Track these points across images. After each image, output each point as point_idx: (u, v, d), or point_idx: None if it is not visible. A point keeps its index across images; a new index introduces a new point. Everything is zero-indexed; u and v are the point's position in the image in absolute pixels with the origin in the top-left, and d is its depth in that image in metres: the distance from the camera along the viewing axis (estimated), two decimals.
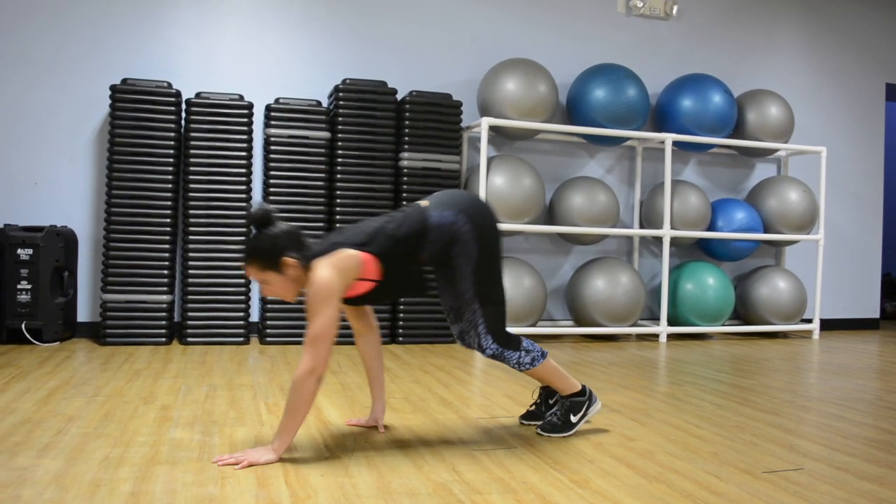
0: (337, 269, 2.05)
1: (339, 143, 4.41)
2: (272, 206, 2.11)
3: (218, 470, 1.94)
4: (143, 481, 1.84)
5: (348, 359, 3.84)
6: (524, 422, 2.52)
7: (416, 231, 2.16)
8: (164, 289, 4.15)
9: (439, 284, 2.33)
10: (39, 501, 1.69)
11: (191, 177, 4.21)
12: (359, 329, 2.41)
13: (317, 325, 2.00)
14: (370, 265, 2.12)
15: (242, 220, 4.26)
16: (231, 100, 4.27)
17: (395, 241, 2.14)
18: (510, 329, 2.31)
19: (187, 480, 1.86)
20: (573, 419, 2.39)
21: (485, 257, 2.21)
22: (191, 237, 4.20)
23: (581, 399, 2.41)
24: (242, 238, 4.26)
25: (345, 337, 4.36)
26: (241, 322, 4.25)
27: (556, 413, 2.42)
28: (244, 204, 4.27)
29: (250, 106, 4.30)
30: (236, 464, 1.98)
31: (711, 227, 5.29)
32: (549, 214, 5.09)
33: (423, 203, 2.23)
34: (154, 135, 4.15)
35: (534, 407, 2.53)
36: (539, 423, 2.46)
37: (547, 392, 2.51)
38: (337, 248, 2.10)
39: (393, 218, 2.19)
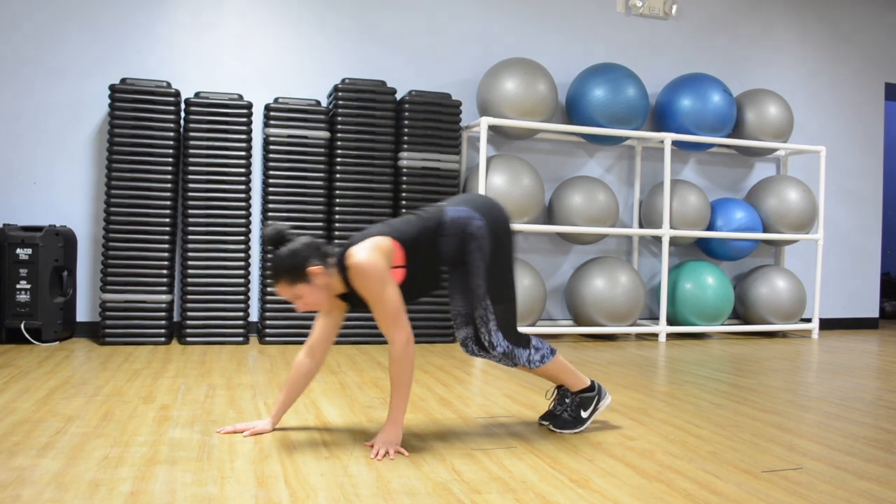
0: (375, 250, 2.12)
1: (339, 143, 4.41)
2: (284, 224, 2.16)
3: (217, 469, 1.94)
4: (143, 481, 1.84)
5: (348, 358, 3.84)
6: (543, 422, 2.52)
7: (433, 224, 2.23)
8: (164, 288, 4.15)
9: (451, 286, 2.37)
10: (39, 501, 1.69)
11: (190, 176, 4.21)
12: (313, 347, 2.31)
13: (389, 305, 2.09)
14: (398, 251, 2.18)
15: (242, 221, 4.26)
16: (230, 99, 4.27)
17: (417, 231, 2.21)
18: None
19: (187, 480, 1.86)
20: (583, 415, 2.43)
21: (497, 255, 2.26)
22: (190, 237, 4.20)
23: (590, 395, 2.45)
24: (242, 237, 4.26)
25: (345, 337, 4.36)
26: (241, 322, 4.25)
27: (566, 410, 2.45)
28: (243, 203, 4.27)
29: (249, 105, 4.30)
30: (382, 455, 2.07)
31: (711, 227, 5.29)
32: (549, 214, 5.09)
33: (442, 203, 2.32)
34: (153, 134, 4.15)
35: (552, 406, 2.53)
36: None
37: (562, 392, 2.51)
38: (366, 238, 2.17)
39: (412, 213, 2.29)
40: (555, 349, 2.39)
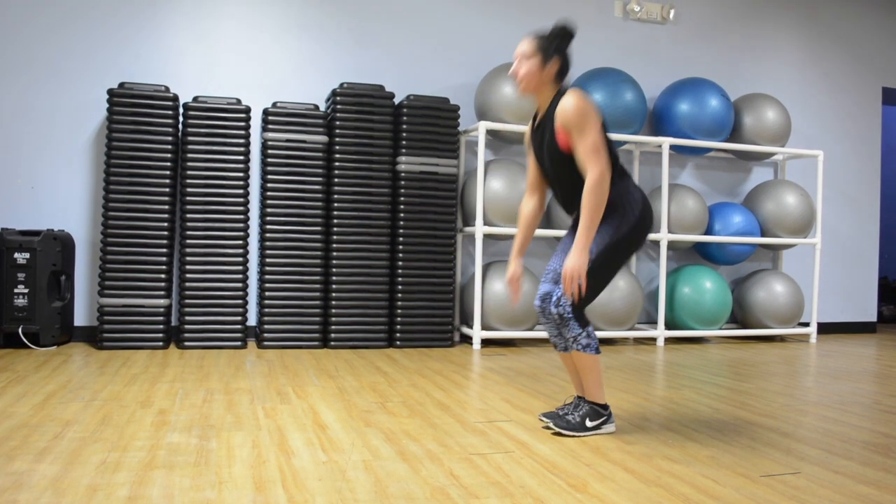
0: (592, 100, 2.38)
1: (337, 147, 4.41)
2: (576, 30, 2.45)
3: (215, 474, 1.94)
4: (141, 486, 1.84)
5: (346, 363, 3.84)
6: (543, 419, 2.54)
7: (618, 166, 2.46)
8: (162, 293, 4.14)
9: (566, 242, 2.55)
10: None
11: (188, 181, 4.21)
12: (533, 185, 2.62)
13: (591, 138, 2.33)
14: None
15: (240, 225, 4.26)
16: (228, 104, 4.28)
17: (609, 143, 2.44)
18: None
19: (184, 485, 1.85)
20: (588, 424, 2.46)
21: (622, 244, 2.41)
22: (188, 241, 4.19)
23: (602, 411, 2.49)
24: (240, 241, 4.26)
25: (342, 342, 4.36)
26: (239, 326, 4.25)
27: (574, 414, 2.48)
28: (241, 208, 4.27)
29: (248, 110, 4.30)
30: (570, 290, 2.31)
31: (709, 231, 5.30)
32: (547, 218, 5.09)
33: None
34: (152, 139, 4.15)
35: (563, 406, 2.55)
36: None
37: (580, 400, 2.52)
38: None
39: None
40: (601, 350, 2.49)
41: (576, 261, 2.32)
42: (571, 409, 2.50)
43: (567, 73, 2.45)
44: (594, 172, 2.31)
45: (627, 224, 2.41)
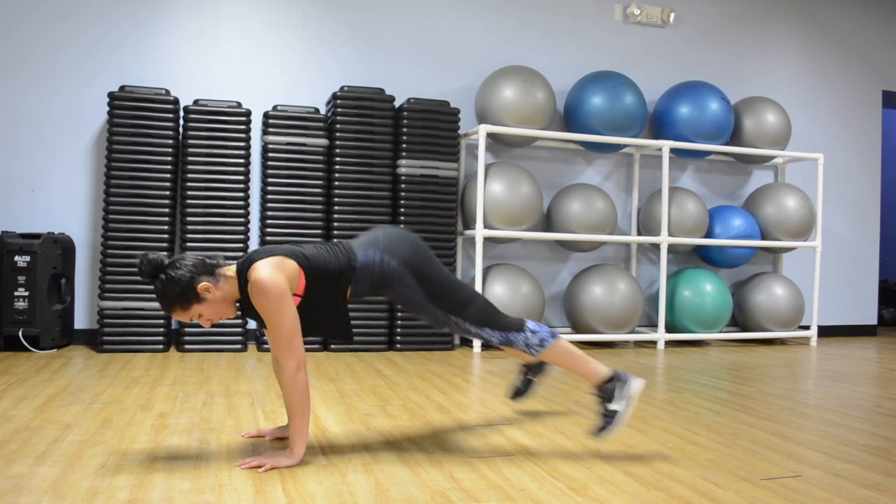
0: (280, 269, 2.03)
1: (337, 151, 4.41)
2: (157, 253, 2.06)
3: (215, 477, 1.94)
4: (141, 489, 1.84)
5: (346, 366, 3.84)
6: (512, 400, 2.63)
7: (342, 268, 2.14)
8: None
9: (403, 306, 2.28)
10: None
11: (188, 184, 4.21)
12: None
13: (283, 327, 2.01)
14: (301, 280, 2.09)
15: (240, 228, 4.26)
16: (229, 107, 4.28)
17: (324, 268, 2.12)
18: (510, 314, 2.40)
19: (184, 488, 1.85)
20: (614, 407, 2.22)
21: (426, 280, 2.19)
22: (188, 244, 4.19)
23: (610, 385, 2.25)
24: (240, 245, 4.26)
25: (343, 345, 4.36)
26: (239, 329, 4.24)
27: (598, 412, 2.27)
28: (242, 211, 4.27)
29: (248, 113, 4.31)
30: (259, 466, 2.01)
31: (709, 234, 5.30)
32: (547, 221, 5.09)
33: (351, 244, 2.22)
34: (152, 142, 4.16)
35: (519, 384, 2.65)
36: (523, 397, 2.63)
37: (527, 367, 2.59)
38: (272, 255, 2.07)
39: (324, 249, 2.17)
40: (556, 332, 2.28)
41: (280, 458, 2.04)
42: (522, 380, 2.60)
43: (213, 268, 2.08)
44: (289, 367, 2.01)
45: (402, 273, 2.17)
